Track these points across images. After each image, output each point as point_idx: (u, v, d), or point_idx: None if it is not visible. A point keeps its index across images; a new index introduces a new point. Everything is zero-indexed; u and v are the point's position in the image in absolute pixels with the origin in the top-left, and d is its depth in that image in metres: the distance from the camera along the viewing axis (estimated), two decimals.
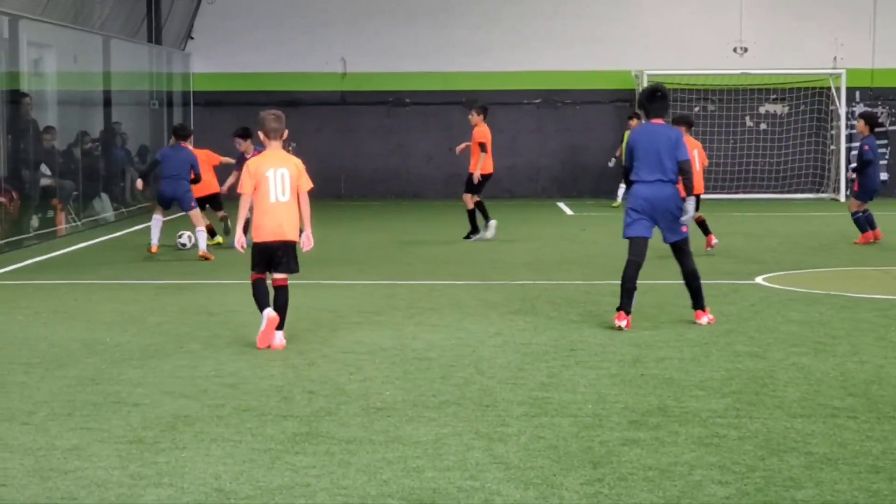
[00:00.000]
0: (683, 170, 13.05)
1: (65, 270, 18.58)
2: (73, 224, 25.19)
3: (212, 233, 21.30)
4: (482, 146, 22.55)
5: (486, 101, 32.40)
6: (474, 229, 22.81)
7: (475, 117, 22.89)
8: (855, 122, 27.85)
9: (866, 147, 21.58)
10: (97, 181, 27.33)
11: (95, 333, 12.97)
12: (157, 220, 20.44)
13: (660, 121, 13.34)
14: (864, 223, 21.58)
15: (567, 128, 34.63)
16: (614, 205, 30.85)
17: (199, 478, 7.66)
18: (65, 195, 25.01)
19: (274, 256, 12.17)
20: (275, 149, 12.19)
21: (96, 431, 8.82)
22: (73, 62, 26.98)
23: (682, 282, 13.44)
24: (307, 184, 12.21)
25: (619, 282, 13.19)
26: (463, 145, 23.65)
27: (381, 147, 34.42)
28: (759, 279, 17.04)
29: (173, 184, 20.17)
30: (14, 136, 22.87)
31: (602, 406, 9.56)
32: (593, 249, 21.21)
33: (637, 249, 13.21)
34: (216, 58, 34.69)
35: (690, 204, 13.08)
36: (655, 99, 13.38)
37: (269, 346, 11.95)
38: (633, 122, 27.80)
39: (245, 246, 12.92)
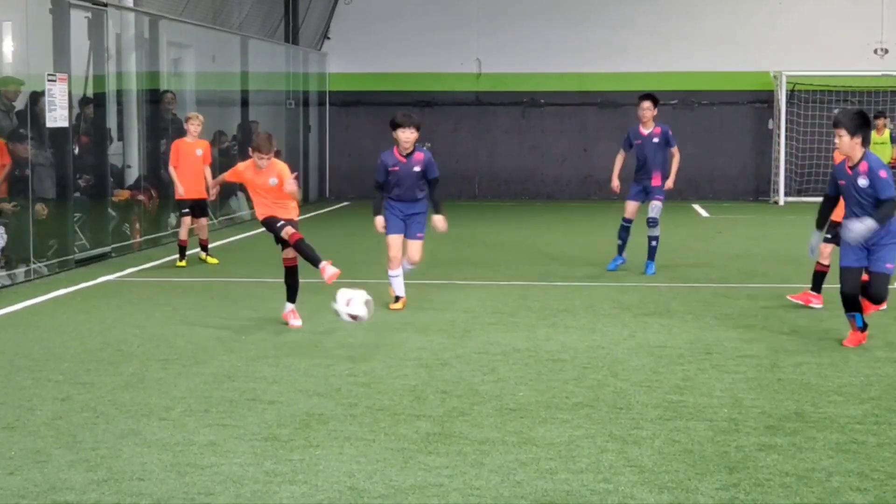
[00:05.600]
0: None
1: (202, 268, 18.80)
2: (210, 222, 25.49)
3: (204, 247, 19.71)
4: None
5: (621, 102, 32.04)
6: None
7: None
8: None
9: None
10: None
11: (231, 331, 13.11)
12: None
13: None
14: None
15: (704, 129, 34.26)
16: None
17: (332, 476, 7.70)
18: None
19: None
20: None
21: (232, 428, 8.91)
22: (212, 62, 27.33)
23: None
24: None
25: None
26: None
27: (516, 148, 34.39)
28: None
29: None
30: (153, 136, 23.21)
31: (738, 410, 9.45)
32: (729, 252, 20.97)
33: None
34: (352, 58, 34.92)
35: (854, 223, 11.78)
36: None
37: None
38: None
39: None
